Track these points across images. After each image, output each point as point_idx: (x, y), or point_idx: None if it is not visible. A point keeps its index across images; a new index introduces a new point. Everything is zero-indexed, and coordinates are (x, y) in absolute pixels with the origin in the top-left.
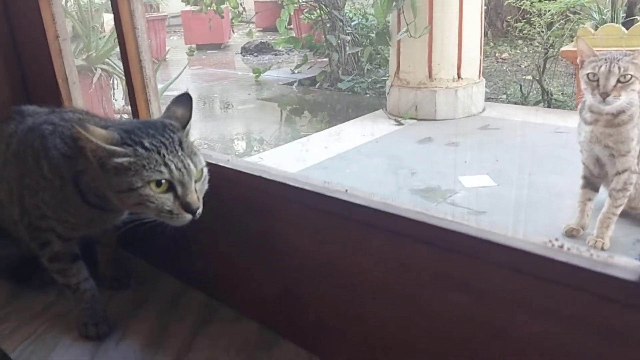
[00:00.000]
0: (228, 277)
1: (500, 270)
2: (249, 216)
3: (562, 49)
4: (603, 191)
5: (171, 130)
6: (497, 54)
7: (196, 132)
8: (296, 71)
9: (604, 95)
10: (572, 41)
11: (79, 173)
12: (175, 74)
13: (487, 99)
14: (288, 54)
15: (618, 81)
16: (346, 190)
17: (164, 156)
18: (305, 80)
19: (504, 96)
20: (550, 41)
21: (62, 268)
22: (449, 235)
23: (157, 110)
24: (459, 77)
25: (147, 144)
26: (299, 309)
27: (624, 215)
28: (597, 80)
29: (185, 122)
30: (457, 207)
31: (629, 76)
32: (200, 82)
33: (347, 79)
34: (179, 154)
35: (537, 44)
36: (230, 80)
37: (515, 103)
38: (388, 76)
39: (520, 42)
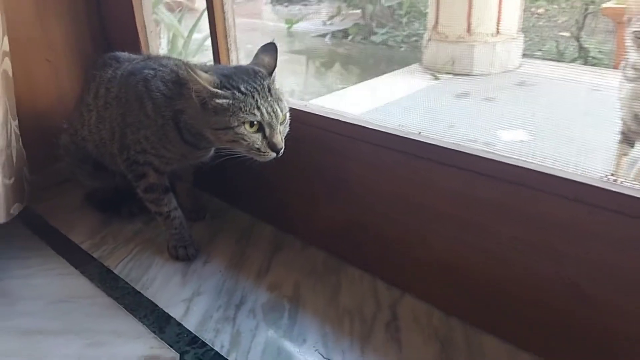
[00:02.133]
0: (296, 211)
1: (559, 199)
2: (323, 155)
3: (604, 5)
4: (637, 147)
5: (261, 77)
6: (532, 9)
7: None
8: (328, 23)
9: None
10: None
11: (178, 112)
12: (206, 24)
13: (523, 55)
14: (318, 4)
15: None
16: (419, 133)
17: (257, 100)
18: (337, 33)
19: (540, 52)
20: None
21: (155, 198)
22: (515, 170)
23: (235, 58)
24: (497, 32)
25: (243, 89)
26: (365, 238)
27: None
28: None
29: (271, 70)
30: None
31: None
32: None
33: (381, 32)
34: (269, 99)
35: None
36: (262, 31)
37: (551, 60)
38: (423, 29)
39: None
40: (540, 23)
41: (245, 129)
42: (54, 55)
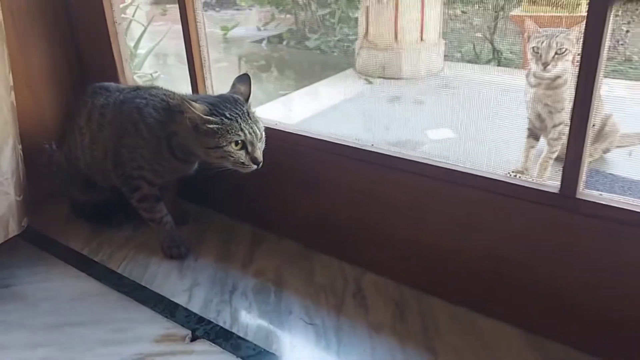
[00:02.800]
0: (271, 211)
1: (478, 190)
2: (293, 164)
3: (511, 13)
4: (542, 141)
5: (241, 104)
6: (450, 12)
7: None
8: (263, 28)
9: (545, 65)
10: (520, 4)
11: (171, 134)
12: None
13: (445, 58)
14: (250, 10)
15: (555, 53)
16: (372, 145)
17: (240, 124)
18: (273, 38)
19: (459, 54)
20: (501, 4)
21: (149, 206)
22: (445, 170)
23: (210, 85)
24: (421, 39)
25: (228, 115)
26: (331, 230)
27: (558, 159)
28: (540, 53)
29: (247, 97)
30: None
31: (564, 49)
32: (167, 39)
33: (314, 37)
34: (249, 122)
35: (487, 2)
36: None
37: (469, 61)
38: (354, 35)
39: None
40: (458, 25)
41: (232, 148)
42: (33, 82)
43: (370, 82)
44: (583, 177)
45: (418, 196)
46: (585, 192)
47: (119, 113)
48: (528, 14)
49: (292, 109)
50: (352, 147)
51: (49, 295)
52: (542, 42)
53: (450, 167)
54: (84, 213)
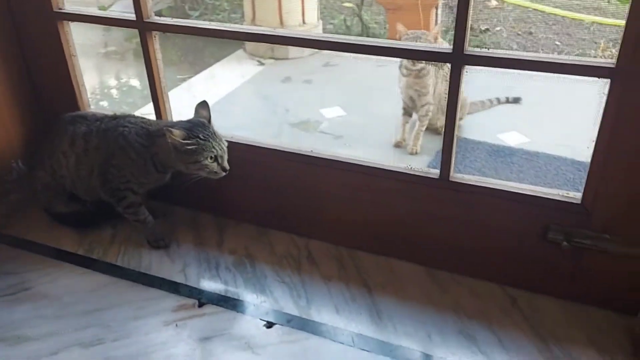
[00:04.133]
0: (230, 201)
1: (388, 180)
2: (250, 166)
3: None
4: (415, 116)
5: (207, 126)
6: None
7: None
8: None
9: (412, 61)
10: None
11: (154, 154)
12: None
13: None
14: None
15: None
16: (311, 150)
17: (211, 142)
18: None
19: (331, 26)
20: None
21: (134, 211)
22: (363, 167)
23: (169, 108)
24: (303, 22)
25: (202, 137)
26: (283, 212)
27: (428, 130)
28: None
29: (209, 119)
30: (326, 134)
31: None
32: None
33: (194, 15)
34: (217, 139)
35: None
36: None
37: (342, 34)
38: (237, 14)
39: None
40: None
41: (208, 162)
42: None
43: (262, 64)
44: (453, 166)
45: (343, 186)
46: (456, 175)
47: (104, 140)
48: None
49: (195, 95)
50: (293, 153)
51: (68, 290)
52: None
53: (366, 165)
54: (67, 221)
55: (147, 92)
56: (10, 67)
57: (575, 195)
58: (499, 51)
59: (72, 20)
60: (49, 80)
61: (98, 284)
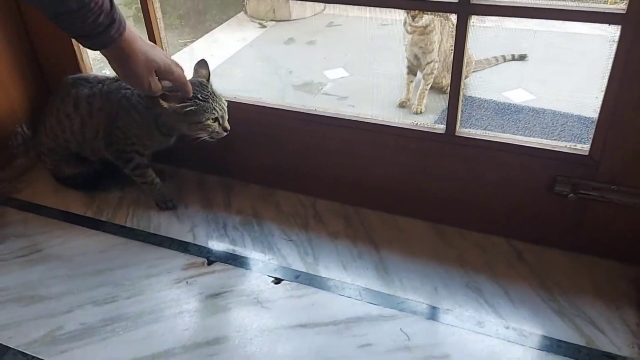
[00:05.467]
0: (236, 163)
1: (393, 136)
2: (254, 125)
3: None
4: (419, 75)
5: (206, 85)
6: None
7: None
8: None
9: (413, 17)
10: None
11: (157, 116)
12: None
13: None
14: None
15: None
16: (315, 109)
17: (211, 102)
18: None
19: None
20: None
21: (141, 173)
22: (362, 123)
23: None
24: None
25: (200, 97)
26: (287, 172)
27: (433, 89)
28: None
29: (208, 78)
30: (329, 95)
31: None
32: None
33: None
34: (216, 99)
35: None
36: None
37: None
38: None
39: None
40: None
41: (209, 121)
42: (1, 77)
43: (264, 26)
44: (459, 121)
45: (348, 143)
46: (461, 130)
47: (107, 102)
48: None
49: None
50: (297, 112)
51: (79, 251)
52: None
53: (371, 122)
54: (75, 183)
55: None
56: (10, 31)
57: (582, 147)
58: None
59: None
60: (50, 43)
61: (108, 244)
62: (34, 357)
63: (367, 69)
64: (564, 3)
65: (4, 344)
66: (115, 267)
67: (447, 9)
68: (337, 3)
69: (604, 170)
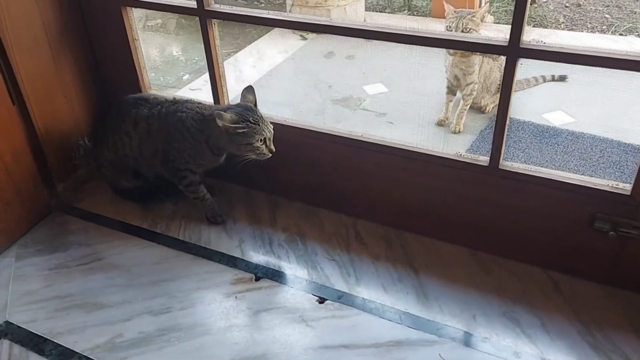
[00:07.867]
0: (282, 181)
1: (436, 165)
2: (298, 149)
3: None
4: (459, 94)
5: (255, 110)
6: None
7: None
8: None
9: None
10: None
11: (208, 137)
12: None
13: (365, 10)
14: None
15: (462, 31)
16: (362, 135)
17: (260, 125)
18: None
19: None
20: None
21: (194, 189)
22: (409, 152)
23: (226, 97)
24: None
25: (252, 120)
26: (329, 192)
27: (471, 108)
28: (451, 30)
29: (255, 103)
30: (368, 111)
31: (469, 28)
32: None
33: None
34: (265, 122)
35: None
36: None
37: (381, 11)
38: None
39: None
40: None
41: (257, 143)
42: (67, 91)
43: (305, 39)
44: (503, 154)
45: (390, 168)
46: (504, 163)
47: (165, 123)
48: None
49: (242, 70)
50: (344, 137)
51: (136, 262)
52: (453, 23)
53: (414, 150)
54: (131, 196)
55: (193, 66)
56: (79, 53)
57: (624, 187)
58: (555, 45)
59: (136, 7)
60: (113, 64)
61: (162, 256)
62: None
63: (406, 86)
64: (612, 50)
65: (70, 348)
66: (169, 279)
67: (496, 51)
68: (384, 40)
69: None
